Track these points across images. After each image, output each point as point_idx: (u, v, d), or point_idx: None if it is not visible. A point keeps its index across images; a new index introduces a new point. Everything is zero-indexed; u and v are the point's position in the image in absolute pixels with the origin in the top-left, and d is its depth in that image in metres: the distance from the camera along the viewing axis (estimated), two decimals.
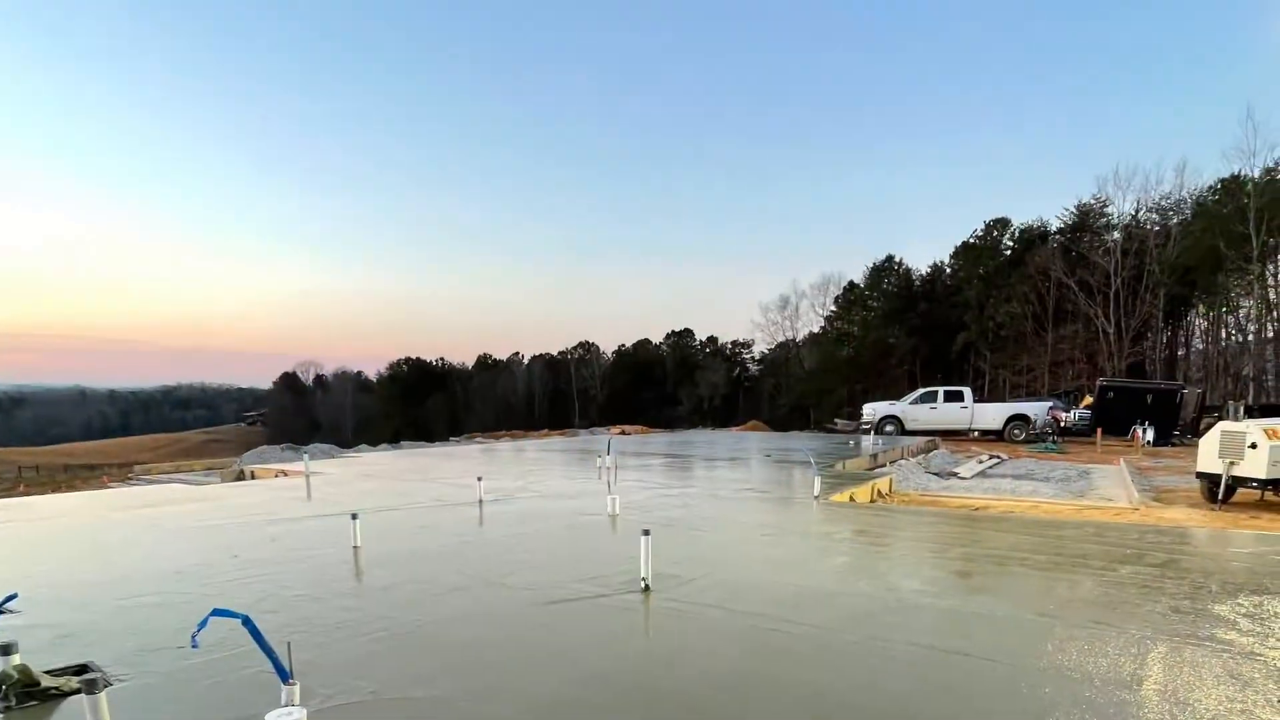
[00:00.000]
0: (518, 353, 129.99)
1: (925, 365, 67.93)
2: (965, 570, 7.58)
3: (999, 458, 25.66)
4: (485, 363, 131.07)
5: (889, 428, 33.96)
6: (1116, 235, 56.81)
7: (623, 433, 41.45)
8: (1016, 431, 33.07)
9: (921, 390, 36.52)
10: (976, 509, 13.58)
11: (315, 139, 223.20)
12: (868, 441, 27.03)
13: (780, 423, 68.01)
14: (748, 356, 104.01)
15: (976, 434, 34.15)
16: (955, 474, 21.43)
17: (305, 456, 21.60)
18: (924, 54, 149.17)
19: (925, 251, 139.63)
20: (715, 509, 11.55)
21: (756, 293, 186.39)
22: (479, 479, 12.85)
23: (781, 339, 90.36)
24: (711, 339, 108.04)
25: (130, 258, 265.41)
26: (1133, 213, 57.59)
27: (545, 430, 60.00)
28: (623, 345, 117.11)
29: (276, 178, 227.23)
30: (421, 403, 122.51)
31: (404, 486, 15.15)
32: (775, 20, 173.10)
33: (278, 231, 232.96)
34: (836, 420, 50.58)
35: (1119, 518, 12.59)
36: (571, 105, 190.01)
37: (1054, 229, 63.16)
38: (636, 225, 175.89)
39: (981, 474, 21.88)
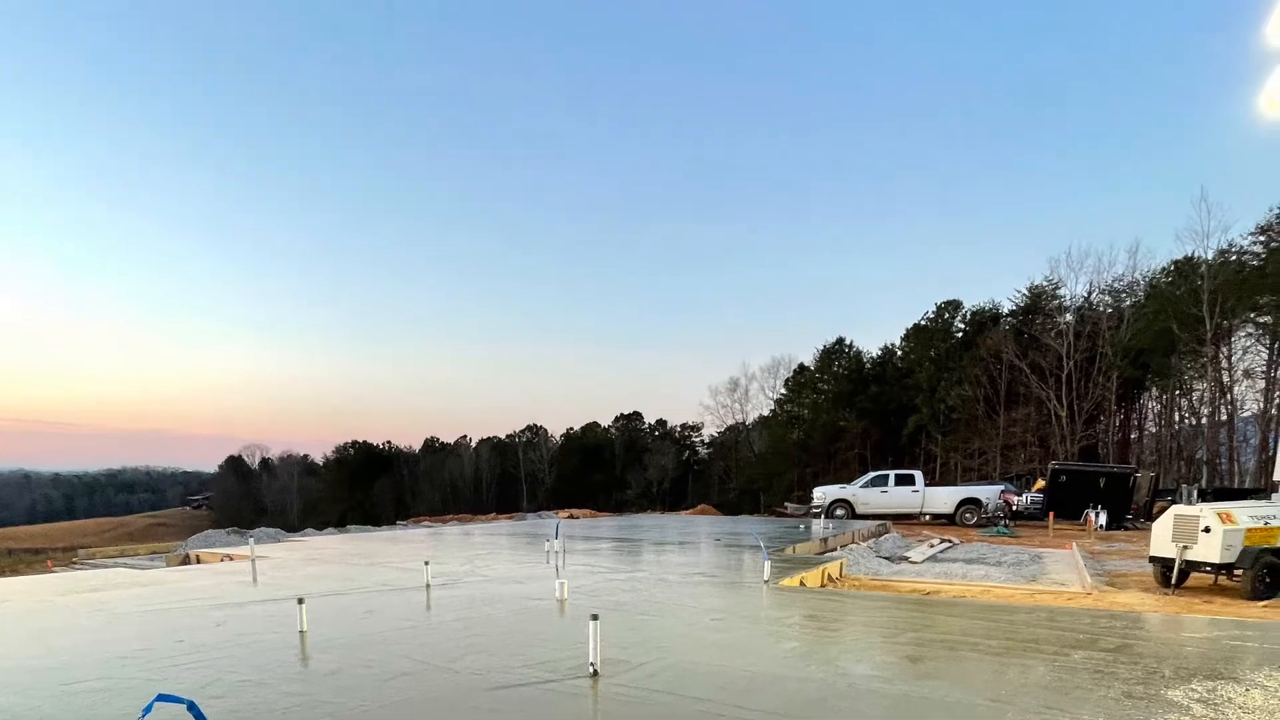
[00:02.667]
0: (465, 436, 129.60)
1: (876, 448, 68.48)
2: (916, 655, 7.59)
3: (950, 542, 25.77)
4: (432, 446, 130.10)
5: (839, 511, 33.96)
6: (1069, 317, 57.90)
7: (571, 516, 41.12)
8: (968, 515, 33.28)
9: (872, 474, 36.67)
10: (928, 593, 13.61)
11: (259, 221, 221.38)
12: (818, 525, 27.06)
13: (730, 506, 68.03)
14: (697, 439, 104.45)
15: (928, 518, 34.30)
16: (906, 558, 21.48)
17: (251, 540, 21.17)
18: (874, 135, 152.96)
19: (876, 334, 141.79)
20: (664, 593, 11.47)
21: (706, 375, 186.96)
22: (426, 563, 12.66)
23: (731, 422, 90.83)
24: (660, 422, 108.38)
25: (74, 339, 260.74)
26: (1085, 295, 58.81)
27: (493, 514, 59.42)
28: (571, 428, 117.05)
29: (222, 259, 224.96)
30: (368, 486, 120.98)
31: (350, 571, 14.89)
32: (723, 103, 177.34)
33: (223, 314, 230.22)
34: (787, 504, 50.59)
35: (1072, 602, 12.68)
36: (517, 188, 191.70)
37: (1006, 311, 64.57)
38: (585, 308, 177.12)
39: (933, 558, 21.94)
